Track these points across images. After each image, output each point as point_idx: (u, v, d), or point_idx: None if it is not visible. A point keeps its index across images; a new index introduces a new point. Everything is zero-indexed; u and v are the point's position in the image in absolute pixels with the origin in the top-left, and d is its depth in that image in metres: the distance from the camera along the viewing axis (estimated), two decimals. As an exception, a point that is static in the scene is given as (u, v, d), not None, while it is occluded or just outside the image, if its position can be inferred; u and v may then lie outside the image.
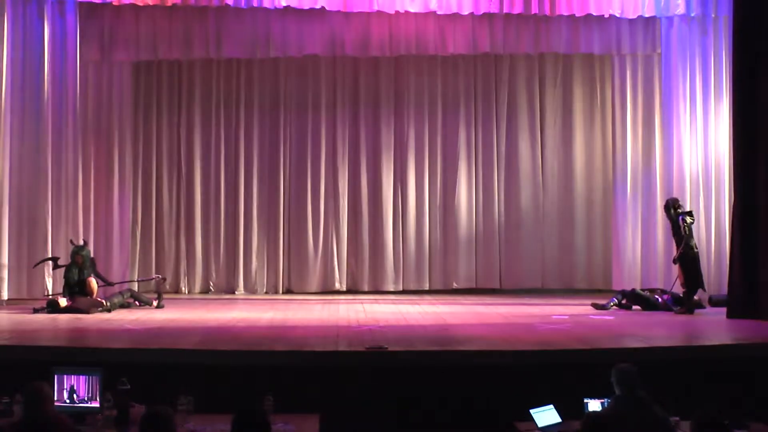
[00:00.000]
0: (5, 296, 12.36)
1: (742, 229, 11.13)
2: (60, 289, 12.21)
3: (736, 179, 11.43)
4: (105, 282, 12.52)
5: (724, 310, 11.22)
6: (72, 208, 13.28)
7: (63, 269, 12.27)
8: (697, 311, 11.74)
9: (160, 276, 13.63)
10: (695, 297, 11.87)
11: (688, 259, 11.73)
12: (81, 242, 12.52)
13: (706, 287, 12.06)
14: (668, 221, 12.26)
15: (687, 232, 11.77)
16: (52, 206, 12.94)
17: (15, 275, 12.62)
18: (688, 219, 11.89)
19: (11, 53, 12.56)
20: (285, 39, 13.59)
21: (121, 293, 12.44)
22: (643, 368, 6.06)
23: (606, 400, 6.13)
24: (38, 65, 12.84)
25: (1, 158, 12.36)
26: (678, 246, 11.84)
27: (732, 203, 11.69)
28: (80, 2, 12.90)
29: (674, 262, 12.00)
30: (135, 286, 13.35)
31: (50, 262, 12.54)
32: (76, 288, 11.98)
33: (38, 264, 12.61)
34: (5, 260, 12.36)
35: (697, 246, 12.03)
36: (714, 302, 12.24)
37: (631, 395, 5.76)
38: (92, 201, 13.90)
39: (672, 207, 12.06)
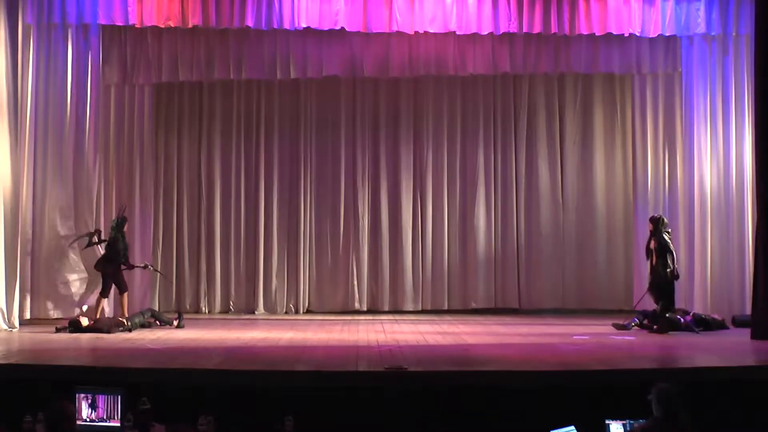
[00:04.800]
0: (27, 316, 12.43)
1: (766, 248, 11.04)
2: (80, 311, 12.34)
3: (759, 198, 11.36)
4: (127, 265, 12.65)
5: (748, 331, 11.13)
6: (93, 228, 13.34)
7: (103, 244, 12.60)
8: (721, 332, 11.71)
9: (147, 263, 13.48)
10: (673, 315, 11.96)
11: (671, 277, 11.79)
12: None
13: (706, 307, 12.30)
14: (655, 237, 12.07)
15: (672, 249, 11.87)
16: (74, 227, 13.03)
17: (36, 296, 12.73)
18: (667, 236, 12.01)
19: (36, 76, 12.68)
20: (305, 60, 13.64)
21: (141, 313, 12.52)
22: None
23: (628, 422, 6.06)
24: (61, 88, 12.94)
25: (24, 181, 12.45)
26: (666, 263, 11.78)
27: (755, 222, 11.62)
28: (103, 26, 12.99)
29: (677, 278, 11.92)
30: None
31: (86, 239, 12.63)
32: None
33: (76, 240, 12.73)
34: (27, 280, 12.44)
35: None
36: (738, 323, 12.16)
37: (672, 419, 5.49)
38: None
39: (661, 224, 12.06)
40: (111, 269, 12.44)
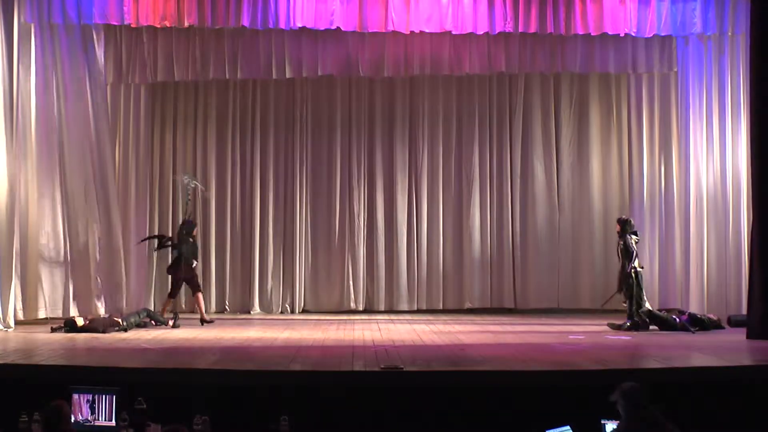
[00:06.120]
0: (21, 316, 12.36)
1: (761, 249, 11.05)
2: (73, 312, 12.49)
3: (755, 198, 11.35)
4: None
5: (743, 330, 11.14)
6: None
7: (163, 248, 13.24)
8: (717, 332, 11.74)
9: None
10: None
11: (638, 276, 11.98)
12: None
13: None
14: (621, 238, 12.25)
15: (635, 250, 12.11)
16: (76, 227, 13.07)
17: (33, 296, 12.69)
18: (635, 237, 12.23)
19: (36, 75, 12.60)
20: (301, 60, 13.61)
21: (137, 313, 12.52)
22: (661, 389, 6.02)
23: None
24: (61, 87, 12.91)
25: (26, 180, 12.44)
26: (629, 262, 11.96)
27: (750, 222, 11.63)
28: (98, 25, 12.94)
29: (631, 278, 12.04)
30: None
31: (155, 240, 13.27)
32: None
33: (145, 240, 13.49)
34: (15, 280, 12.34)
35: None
36: (733, 323, 12.18)
37: (644, 414, 5.62)
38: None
39: (628, 225, 12.25)
40: (178, 272, 12.87)
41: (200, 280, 13.73)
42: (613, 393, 5.73)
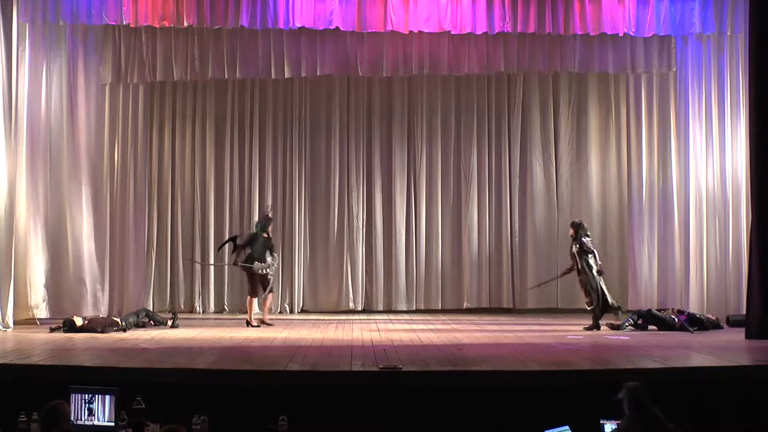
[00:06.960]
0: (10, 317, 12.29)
1: (760, 249, 11.05)
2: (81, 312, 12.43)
3: (754, 198, 11.34)
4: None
5: (742, 330, 11.15)
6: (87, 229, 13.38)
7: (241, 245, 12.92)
8: (716, 332, 11.74)
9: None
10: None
11: (598, 276, 12.20)
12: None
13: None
14: (575, 242, 12.41)
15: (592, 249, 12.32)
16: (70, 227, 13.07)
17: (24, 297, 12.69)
18: (588, 239, 12.44)
19: (31, 75, 12.61)
20: (299, 59, 13.57)
21: (136, 313, 12.52)
22: (660, 389, 6.02)
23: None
24: (58, 87, 12.93)
25: (20, 179, 12.43)
26: (590, 263, 12.16)
27: (750, 222, 11.64)
28: (96, 25, 12.93)
29: (600, 274, 12.25)
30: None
31: (230, 244, 13.16)
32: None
33: (222, 247, 13.53)
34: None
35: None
36: (732, 323, 12.19)
37: (645, 413, 5.67)
38: (108, 222, 13.90)
39: (582, 228, 12.44)
40: (252, 269, 12.75)
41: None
42: (620, 391, 5.76)
